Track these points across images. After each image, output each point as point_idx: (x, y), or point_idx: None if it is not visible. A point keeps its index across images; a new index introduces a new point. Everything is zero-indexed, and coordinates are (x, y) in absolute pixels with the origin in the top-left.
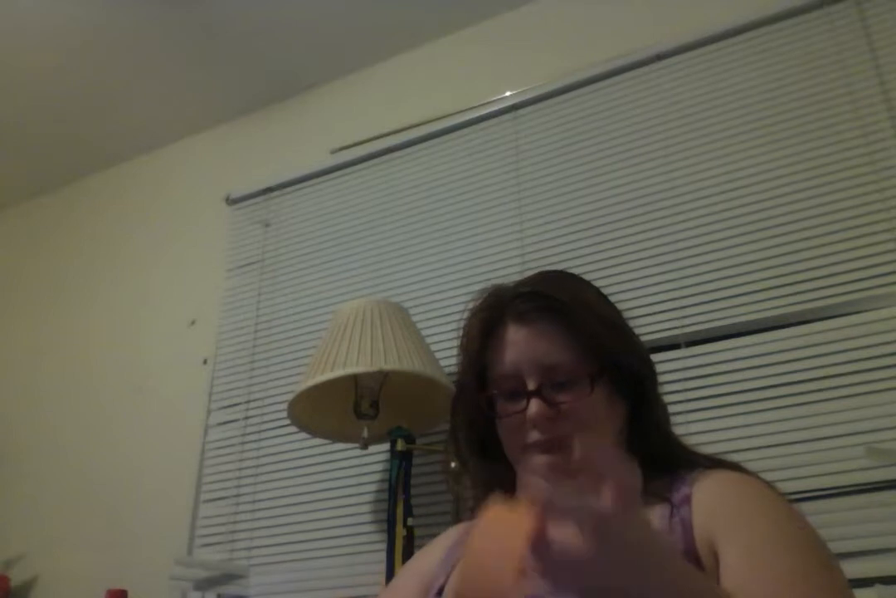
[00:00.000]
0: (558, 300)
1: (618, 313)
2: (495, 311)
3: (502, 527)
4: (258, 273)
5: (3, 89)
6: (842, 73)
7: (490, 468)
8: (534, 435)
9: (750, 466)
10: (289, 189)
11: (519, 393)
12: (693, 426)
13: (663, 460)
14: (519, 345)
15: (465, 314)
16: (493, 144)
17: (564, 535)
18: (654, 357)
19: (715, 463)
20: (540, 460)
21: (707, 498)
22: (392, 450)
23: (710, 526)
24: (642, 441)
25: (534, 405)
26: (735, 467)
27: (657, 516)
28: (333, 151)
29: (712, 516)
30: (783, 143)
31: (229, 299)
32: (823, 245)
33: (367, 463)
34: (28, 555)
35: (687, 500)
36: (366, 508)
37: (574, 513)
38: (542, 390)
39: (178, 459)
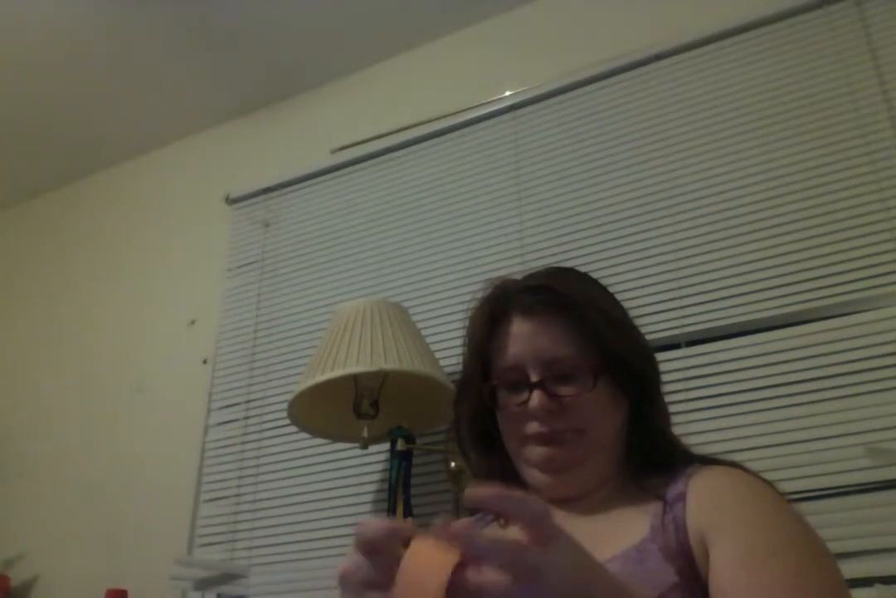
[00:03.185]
0: (564, 295)
1: (623, 311)
2: (501, 303)
3: (430, 556)
4: (258, 273)
5: (2, 89)
6: (842, 73)
7: (490, 460)
8: (533, 427)
9: (750, 466)
10: (289, 189)
11: (521, 385)
12: (693, 426)
13: (661, 460)
14: (523, 338)
15: (472, 305)
16: (492, 144)
17: (486, 576)
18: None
19: (712, 461)
20: (538, 451)
21: (701, 495)
22: (392, 450)
23: (703, 523)
24: (642, 441)
25: (535, 397)
26: (732, 464)
27: (650, 514)
28: (333, 151)
29: (706, 512)
30: (783, 143)
31: (229, 299)
32: (823, 245)
33: (367, 463)
34: (28, 555)
35: (681, 497)
36: (366, 508)
37: (494, 556)
38: (545, 382)
39: (178, 459)
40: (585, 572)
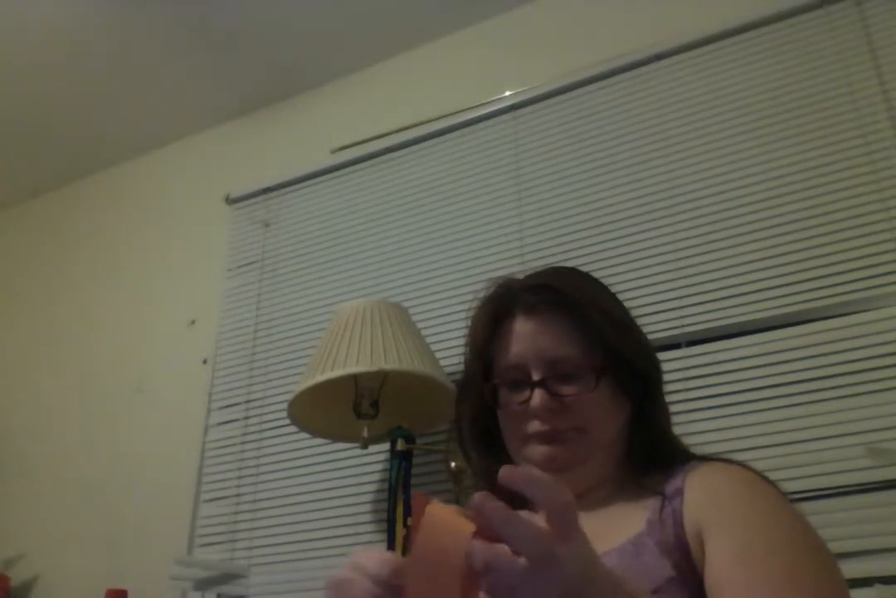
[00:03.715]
0: (567, 295)
1: (625, 311)
2: (504, 302)
3: (448, 530)
4: (258, 273)
5: (2, 89)
6: (842, 73)
7: (491, 460)
8: (535, 426)
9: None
10: (289, 189)
11: (523, 384)
12: (693, 426)
13: (662, 459)
14: (525, 337)
15: (474, 305)
16: (492, 144)
17: (503, 555)
18: None
19: (710, 459)
20: (539, 450)
21: (699, 490)
22: (392, 450)
23: (700, 518)
24: (644, 440)
25: (537, 396)
26: (730, 461)
27: (648, 509)
28: (333, 151)
29: (703, 508)
30: (783, 143)
31: (229, 299)
32: (823, 245)
33: (367, 463)
34: (28, 555)
35: (679, 492)
36: (366, 508)
37: (525, 540)
38: (547, 381)
39: (178, 459)
40: (591, 568)
